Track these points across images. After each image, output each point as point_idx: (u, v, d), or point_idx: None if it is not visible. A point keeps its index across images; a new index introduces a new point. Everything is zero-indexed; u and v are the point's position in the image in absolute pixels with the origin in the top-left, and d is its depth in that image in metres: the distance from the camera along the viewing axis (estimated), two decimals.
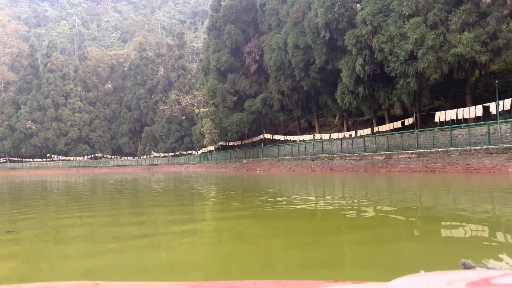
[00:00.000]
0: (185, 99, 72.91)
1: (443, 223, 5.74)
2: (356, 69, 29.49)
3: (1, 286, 1.30)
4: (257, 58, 47.63)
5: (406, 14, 26.26)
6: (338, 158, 34.73)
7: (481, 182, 14.88)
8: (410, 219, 6.33)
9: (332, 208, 8.11)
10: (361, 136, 34.51)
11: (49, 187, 20.72)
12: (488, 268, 0.80)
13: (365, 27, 28.40)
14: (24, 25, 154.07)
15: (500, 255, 0.84)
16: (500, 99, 24.72)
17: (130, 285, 1.04)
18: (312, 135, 41.43)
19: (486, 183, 14.51)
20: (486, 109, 25.59)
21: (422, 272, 0.80)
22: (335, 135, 38.52)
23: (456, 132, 25.82)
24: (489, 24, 23.51)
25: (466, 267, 0.84)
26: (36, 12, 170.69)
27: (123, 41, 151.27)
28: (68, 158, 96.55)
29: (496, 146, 22.53)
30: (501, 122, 23.35)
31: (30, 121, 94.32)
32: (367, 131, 34.94)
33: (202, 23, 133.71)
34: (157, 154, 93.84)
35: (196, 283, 0.97)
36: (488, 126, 23.69)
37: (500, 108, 24.13)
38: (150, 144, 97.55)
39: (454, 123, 27.24)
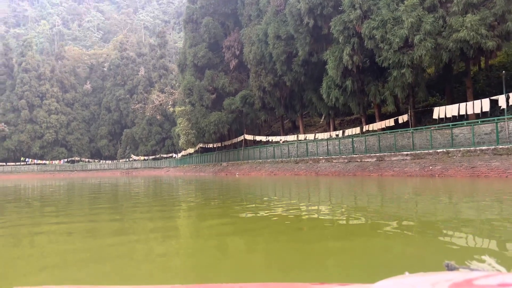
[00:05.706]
0: (160, 97, 68.86)
1: None
2: (344, 60, 26.00)
3: None
4: (237, 53, 43.84)
5: None
6: (323, 160, 31.21)
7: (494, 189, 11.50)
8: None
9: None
10: (349, 136, 31.07)
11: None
12: (471, 270, 0.80)
13: (353, 12, 24.91)
14: (2, 25, 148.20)
15: (483, 257, 0.80)
16: (507, 92, 21.48)
17: None
18: (295, 136, 37.86)
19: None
20: (491, 104, 22.31)
21: (407, 273, 0.80)
22: (320, 135, 35.04)
23: (456, 130, 22.48)
24: (496, 4, 20.21)
25: (449, 268, 0.83)
26: (16, 12, 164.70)
27: (105, 41, 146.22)
28: (44, 162, 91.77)
29: (506, 146, 19.20)
30: (509, 119, 20.09)
31: (3, 123, 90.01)
32: (356, 130, 31.54)
33: None
34: (137, 157, 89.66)
35: (181, 287, 0.94)
36: (496, 123, 20.40)
37: (511, 102, 20.85)
38: (130, 147, 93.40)
39: (452, 121, 23.95)
